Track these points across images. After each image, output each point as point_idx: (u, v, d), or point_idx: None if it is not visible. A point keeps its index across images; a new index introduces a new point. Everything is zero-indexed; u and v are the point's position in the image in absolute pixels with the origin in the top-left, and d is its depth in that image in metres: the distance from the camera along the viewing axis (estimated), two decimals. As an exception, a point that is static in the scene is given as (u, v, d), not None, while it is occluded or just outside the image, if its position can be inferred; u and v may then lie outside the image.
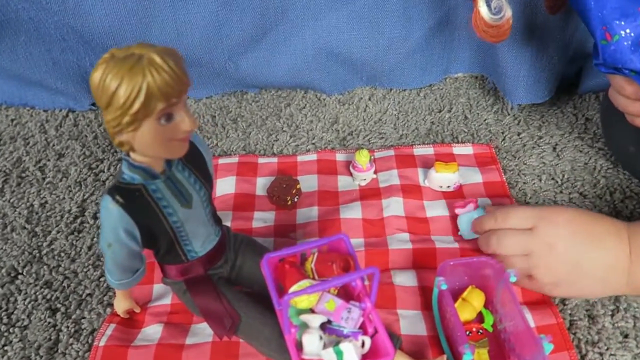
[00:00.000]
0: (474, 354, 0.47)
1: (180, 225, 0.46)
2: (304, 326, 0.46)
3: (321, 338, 0.45)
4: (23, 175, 0.77)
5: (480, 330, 0.53)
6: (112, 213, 0.42)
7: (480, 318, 0.55)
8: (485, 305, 0.55)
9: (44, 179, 0.76)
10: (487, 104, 0.86)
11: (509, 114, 0.83)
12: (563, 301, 0.57)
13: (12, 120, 0.87)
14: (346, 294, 0.50)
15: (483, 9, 0.64)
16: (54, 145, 0.82)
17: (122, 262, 0.47)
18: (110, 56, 0.37)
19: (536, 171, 0.73)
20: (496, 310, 0.54)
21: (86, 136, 0.83)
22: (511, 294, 0.51)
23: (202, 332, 0.55)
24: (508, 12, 0.63)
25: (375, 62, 0.85)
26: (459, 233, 0.64)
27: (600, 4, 0.55)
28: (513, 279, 0.51)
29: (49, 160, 0.79)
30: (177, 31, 0.79)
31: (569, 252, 0.53)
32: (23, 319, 0.58)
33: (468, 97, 0.88)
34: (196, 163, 0.48)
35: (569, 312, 0.56)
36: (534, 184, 0.71)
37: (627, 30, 0.55)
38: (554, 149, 0.77)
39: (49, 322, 0.57)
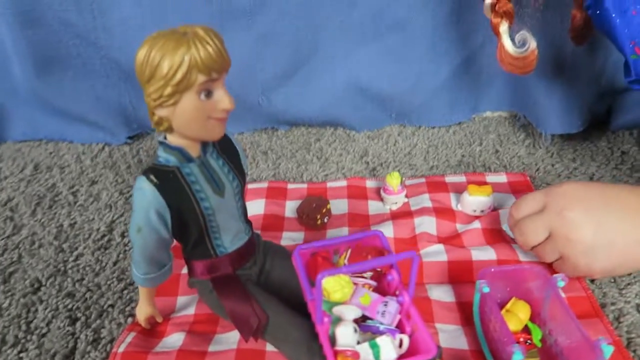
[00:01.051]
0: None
1: (212, 212, 0.45)
2: (337, 320, 0.43)
3: (356, 330, 0.41)
4: (56, 198, 0.78)
5: (529, 341, 0.49)
6: (145, 193, 0.42)
7: (526, 332, 0.50)
8: (532, 319, 0.51)
9: (75, 202, 0.77)
10: (518, 140, 0.85)
11: (541, 147, 0.82)
12: (618, 318, 0.52)
13: (51, 153, 0.90)
14: (382, 291, 0.47)
15: (507, 42, 0.66)
16: (87, 173, 0.84)
17: (150, 250, 0.45)
18: (156, 35, 0.39)
19: (574, 198, 0.71)
20: (544, 323, 0.50)
21: (120, 166, 0.85)
22: (561, 302, 0.47)
23: (227, 340, 0.51)
24: (532, 44, 0.64)
25: (404, 98, 0.87)
26: (503, 227, 0.63)
27: (625, 20, 0.56)
28: (561, 284, 0.47)
29: (82, 186, 0.80)
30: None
31: (584, 216, 0.52)
32: (42, 327, 0.55)
33: (498, 133, 0.87)
34: (231, 155, 0.48)
35: (625, 328, 0.51)
36: (573, 209, 0.69)
37: None
38: (591, 178, 0.75)
39: (68, 331, 0.55)
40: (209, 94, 0.40)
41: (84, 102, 0.88)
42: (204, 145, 0.45)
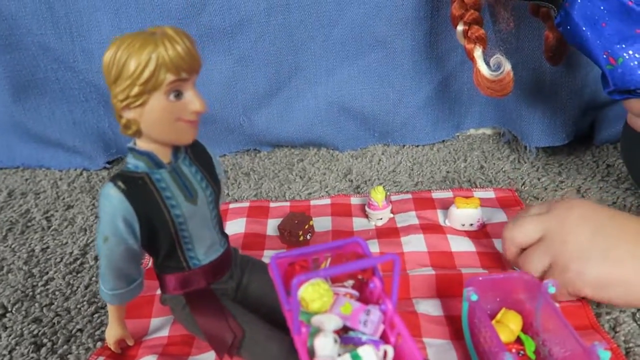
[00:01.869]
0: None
1: (183, 221, 0.43)
2: (316, 331, 0.40)
3: (336, 341, 0.39)
4: (29, 224, 0.75)
5: (522, 352, 0.46)
6: (112, 200, 0.40)
7: (518, 343, 0.47)
8: (524, 330, 0.48)
9: (49, 227, 0.74)
10: (503, 155, 0.85)
11: (526, 162, 0.81)
12: (614, 328, 0.49)
13: (27, 180, 0.88)
14: (365, 301, 0.44)
15: (483, 67, 0.67)
16: (63, 198, 0.81)
17: (117, 262, 0.42)
18: (123, 36, 0.38)
19: (562, 209, 0.69)
20: (537, 333, 0.47)
21: (97, 190, 0.83)
22: (553, 309, 0.45)
23: (201, 362, 0.48)
24: (507, 66, 0.65)
25: (387, 116, 0.86)
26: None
27: (596, 32, 0.57)
28: (552, 290, 0.45)
29: (56, 210, 0.78)
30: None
31: (579, 222, 0.50)
32: (3, 355, 0.52)
33: (482, 150, 0.87)
34: (204, 162, 0.46)
35: (622, 338, 0.48)
36: (561, 220, 0.67)
37: (630, 52, 0.55)
38: (578, 190, 0.73)
39: (32, 357, 0.51)
40: (178, 94, 0.39)
41: (62, 127, 0.87)
42: (176, 150, 0.43)
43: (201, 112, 0.40)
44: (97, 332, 0.54)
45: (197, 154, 0.46)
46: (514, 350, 0.46)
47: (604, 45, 0.57)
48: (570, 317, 0.50)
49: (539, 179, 0.77)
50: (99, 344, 0.52)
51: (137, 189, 0.40)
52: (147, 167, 0.41)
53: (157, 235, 0.43)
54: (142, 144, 0.41)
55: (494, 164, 0.82)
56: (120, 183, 0.40)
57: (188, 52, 0.38)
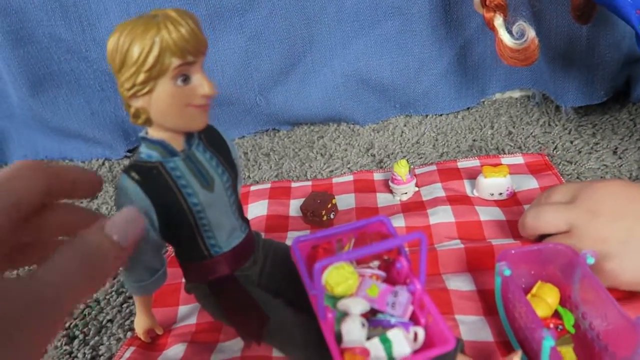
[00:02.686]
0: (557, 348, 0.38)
1: (201, 209, 0.42)
2: (343, 316, 0.39)
3: (364, 325, 0.37)
4: (55, 217, 0.75)
5: (560, 326, 0.44)
6: (127, 192, 0.39)
7: (556, 317, 0.45)
8: (562, 304, 0.46)
9: (75, 219, 0.74)
10: (532, 119, 0.81)
11: (557, 125, 0.77)
12: (658, 296, 0.47)
13: (51, 172, 0.88)
14: (392, 282, 0.42)
15: (505, 36, 0.63)
16: (88, 189, 0.81)
17: (138, 254, 0.42)
18: (125, 22, 0.37)
19: (598, 173, 0.66)
20: (576, 306, 0.45)
21: (120, 179, 0.83)
22: (592, 280, 0.42)
23: (230, 348, 0.48)
24: (531, 33, 0.61)
25: (407, 87, 0.83)
26: None
27: None
28: (590, 260, 0.43)
29: (81, 202, 0.78)
30: (207, 70, 0.80)
31: (615, 218, 0.45)
32: (38, 348, 0.53)
33: (510, 115, 0.83)
34: (219, 148, 0.45)
35: (668, 307, 0.45)
36: (597, 185, 0.64)
37: None
38: (614, 152, 0.69)
39: (65, 350, 0.52)
40: (186, 79, 0.37)
41: (80, 118, 0.87)
42: (188, 137, 0.42)
43: (211, 95, 0.38)
44: (127, 322, 0.54)
45: (211, 139, 0.44)
46: (551, 325, 0.44)
47: (636, 3, 0.52)
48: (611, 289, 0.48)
49: (571, 142, 0.73)
50: (129, 333, 0.52)
51: (151, 179, 0.39)
52: (161, 155, 0.40)
53: (176, 224, 0.42)
54: (154, 133, 0.40)
55: (523, 128, 0.78)
56: (134, 174, 0.39)
57: (192, 33, 0.36)
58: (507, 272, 0.43)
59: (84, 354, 0.51)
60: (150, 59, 0.35)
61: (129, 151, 0.90)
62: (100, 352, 0.51)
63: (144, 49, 0.35)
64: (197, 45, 0.36)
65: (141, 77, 0.35)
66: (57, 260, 0.26)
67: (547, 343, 0.36)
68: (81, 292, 0.26)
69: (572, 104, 0.76)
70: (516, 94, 0.88)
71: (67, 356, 0.51)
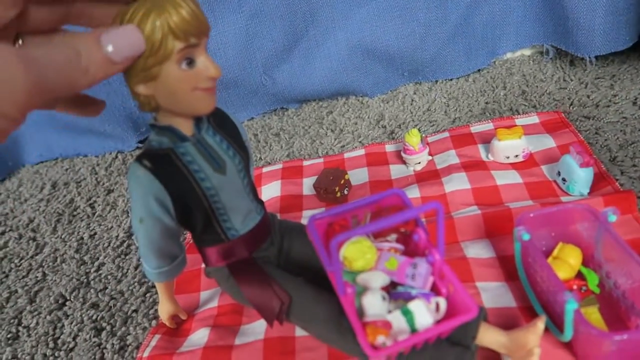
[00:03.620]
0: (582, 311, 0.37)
1: (215, 193, 0.41)
2: (363, 290, 0.39)
3: (384, 298, 0.37)
4: (74, 213, 0.77)
5: (584, 287, 0.43)
6: (141, 180, 0.39)
7: (580, 278, 0.44)
8: (585, 264, 0.45)
9: (93, 213, 0.75)
10: (546, 76, 0.78)
11: (573, 79, 0.75)
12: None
13: (67, 169, 0.89)
14: (410, 254, 0.42)
15: None
16: (103, 183, 0.82)
17: (156, 242, 0.42)
18: (124, 7, 0.36)
19: (618, 126, 0.63)
20: (600, 266, 0.44)
21: (134, 171, 0.83)
22: (616, 239, 0.41)
23: (253, 331, 0.48)
24: None
25: (415, 53, 0.81)
26: (568, 190, 0.55)
27: None
28: (612, 218, 0.41)
29: (98, 197, 0.79)
30: (210, 52, 0.80)
31: None
32: (69, 342, 0.54)
33: (523, 74, 0.80)
34: (229, 130, 0.44)
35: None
36: (617, 138, 0.61)
37: None
38: (634, 102, 0.67)
39: (94, 342, 0.53)
40: (190, 62, 0.36)
41: (90, 112, 0.87)
42: (198, 122, 0.41)
43: (216, 77, 0.37)
44: (151, 311, 0.55)
45: (220, 122, 0.43)
46: (575, 287, 0.43)
47: None
48: (636, 246, 0.47)
49: (588, 96, 0.70)
50: (154, 322, 0.53)
51: (163, 165, 0.39)
52: (171, 141, 0.39)
53: (191, 210, 0.42)
54: (162, 119, 0.39)
55: (537, 87, 0.76)
56: (146, 162, 0.38)
57: (193, 14, 0.35)
58: (526, 237, 0.42)
59: (112, 344, 0.52)
60: (153, 45, 0.34)
61: (140, 142, 0.90)
62: (127, 342, 0.52)
63: (146, 35, 0.34)
64: (199, 26, 0.35)
65: (146, 63, 0.35)
66: (46, 45, 0.26)
67: (570, 306, 0.35)
68: (57, 81, 0.26)
69: (597, 52, 0.73)
70: (528, 51, 0.85)
71: (97, 348, 0.52)
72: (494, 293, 0.46)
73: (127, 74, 0.36)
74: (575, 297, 0.36)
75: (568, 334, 0.37)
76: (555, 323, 0.40)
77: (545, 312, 0.42)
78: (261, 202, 0.48)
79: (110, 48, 0.29)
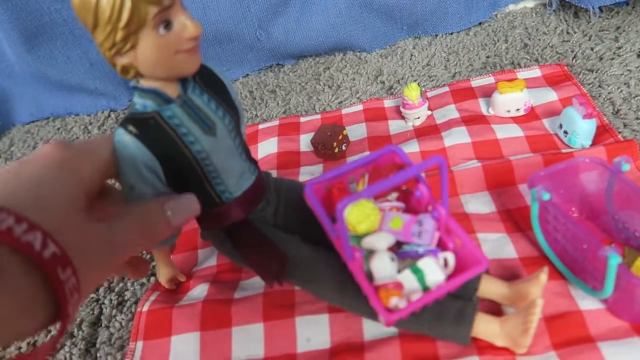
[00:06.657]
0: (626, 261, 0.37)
1: (206, 156, 0.40)
2: (370, 254, 0.38)
3: (392, 259, 0.36)
4: (68, 172, 0.75)
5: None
6: (127, 146, 0.36)
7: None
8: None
9: (88, 172, 0.74)
10: (549, 29, 0.76)
11: (576, 32, 0.73)
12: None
13: (59, 129, 0.88)
14: (413, 211, 0.41)
15: None
16: (97, 142, 0.81)
17: None
18: None
19: (622, 79, 0.62)
20: (613, 218, 0.43)
21: (127, 130, 0.81)
22: (629, 186, 0.40)
23: (253, 286, 0.48)
24: None
25: (414, 5, 0.78)
26: (569, 143, 0.54)
27: None
28: (626, 167, 0.41)
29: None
30: (203, 6, 0.77)
31: None
32: (67, 298, 0.54)
33: (525, 26, 0.78)
34: (216, 88, 0.41)
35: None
36: (621, 91, 0.60)
37: None
38: (639, 55, 0.65)
39: (92, 298, 0.53)
40: (167, 25, 0.33)
41: (80, 70, 0.84)
42: (183, 82, 0.38)
43: (197, 35, 0.35)
44: (150, 267, 0.55)
45: (207, 80, 0.41)
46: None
47: None
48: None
49: (592, 49, 0.69)
50: (152, 278, 0.53)
51: (150, 130, 0.37)
52: (156, 104, 0.37)
53: (182, 174, 0.40)
54: (145, 82, 0.37)
55: (540, 40, 0.74)
56: (131, 127, 0.36)
57: None
58: (547, 196, 0.41)
59: (111, 300, 0.52)
60: (125, 14, 0.31)
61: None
62: (126, 297, 0.52)
63: (115, 4, 0.31)
64: None
65: (120, 34, 0.32)
66: (124, 218, 0.32)
67: (614, 260, 0.34)
68: (135, 246, 0.32)
69: (602, 3, 0.71)
70: (530, 3, 0.82)
71: (95, 303, 0.52)
72: (494, 244, 0.46)
73: (101, 46, 0.34)
74: (616, 251, 0.35)
75: (609, 290, 0.36)
76: (585, 280, 0.40)
77: (571, 272, 0.41)
78: (254, 162, 0.46)
79: (169, 213, 0.34)
